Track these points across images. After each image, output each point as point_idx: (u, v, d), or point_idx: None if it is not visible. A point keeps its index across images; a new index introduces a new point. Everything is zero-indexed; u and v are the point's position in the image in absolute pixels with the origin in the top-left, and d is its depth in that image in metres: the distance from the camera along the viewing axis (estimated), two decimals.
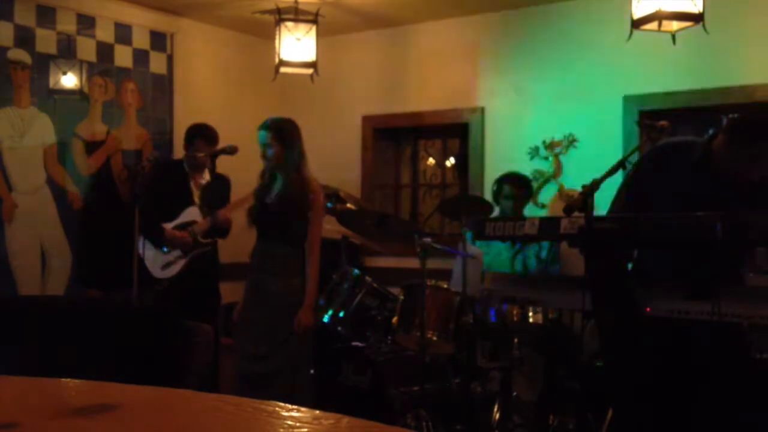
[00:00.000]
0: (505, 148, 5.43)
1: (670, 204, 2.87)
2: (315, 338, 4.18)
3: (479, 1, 5.32)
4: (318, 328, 4.18)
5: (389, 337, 4.25)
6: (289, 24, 4.97)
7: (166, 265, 4.57)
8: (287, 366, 3.98)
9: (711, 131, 2.93)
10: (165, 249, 4.59)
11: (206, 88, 5.81)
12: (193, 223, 4.64)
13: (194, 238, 4.60)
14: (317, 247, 4.07)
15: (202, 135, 4.70)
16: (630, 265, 3.09)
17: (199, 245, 4.62)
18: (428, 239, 4.13)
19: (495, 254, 4.73)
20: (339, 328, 4.29)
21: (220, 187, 4.65)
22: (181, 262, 4.59)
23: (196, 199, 4.68)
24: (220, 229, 4.68)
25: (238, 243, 4.66)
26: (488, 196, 5.04)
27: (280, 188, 4.04)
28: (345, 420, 1.10)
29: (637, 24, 4.00)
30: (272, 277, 4.02)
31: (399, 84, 5.91)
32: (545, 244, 4.67)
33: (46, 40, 4.85)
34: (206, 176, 4.57)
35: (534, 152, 5.29)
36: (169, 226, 4.59)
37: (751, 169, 2.80)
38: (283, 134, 4.01)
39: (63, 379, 1.40)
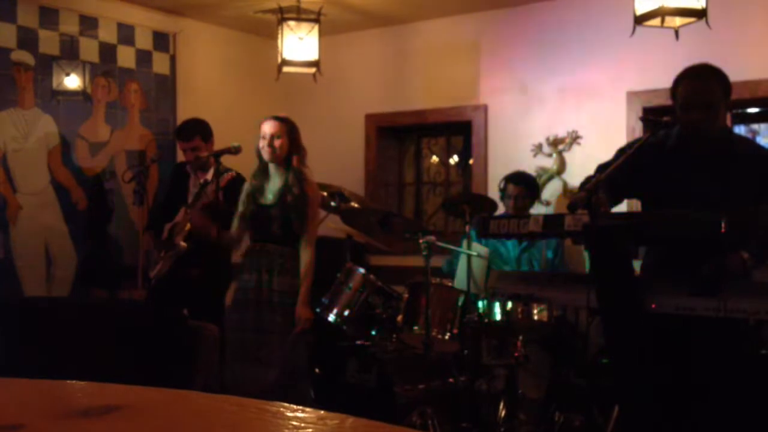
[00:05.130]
0: (509, 146, 5.43)
1: (659, 188, 3.03)
2: (315, 338, 4.16)
3: None
4: (316, 328, 4.15)
5: (394, 336, 4.25)
6: (292, 23, 4.97)
7: (153, 265, 4.54)
8: (287, 367, 3.94)
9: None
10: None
11: (209, 88, 5.81)
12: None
13: (169, 239, 4.41)
14: (313, 243, 4.02)
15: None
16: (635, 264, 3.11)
17: (173, 247, 4.37)
18: (432, 237, 4.13)
19: (501, 253, 4.73)
20: (344, 327, 4.29)
21: (202, 190, 4.34)
22: (161, 263, 4.48)
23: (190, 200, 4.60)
24: (197, 230, 4.30)
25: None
26: (492, 193, 5.04)
27: (279, 187, 4.01)
28: (350, 420, 1.10)
29: (640, 20, 4.00)
30: (273, 278, 3.98)
31: (402, 82, 5.91)
32: (551, 242, 4.66)
33: (48, 41, 4.86)
34: (209, 177, 4.48)
35: (537, 149, 5.29)
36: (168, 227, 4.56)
37: (689, 96, 2.99)
38: (293, 131, 4.02)
39: (68, 381, 1.40)
